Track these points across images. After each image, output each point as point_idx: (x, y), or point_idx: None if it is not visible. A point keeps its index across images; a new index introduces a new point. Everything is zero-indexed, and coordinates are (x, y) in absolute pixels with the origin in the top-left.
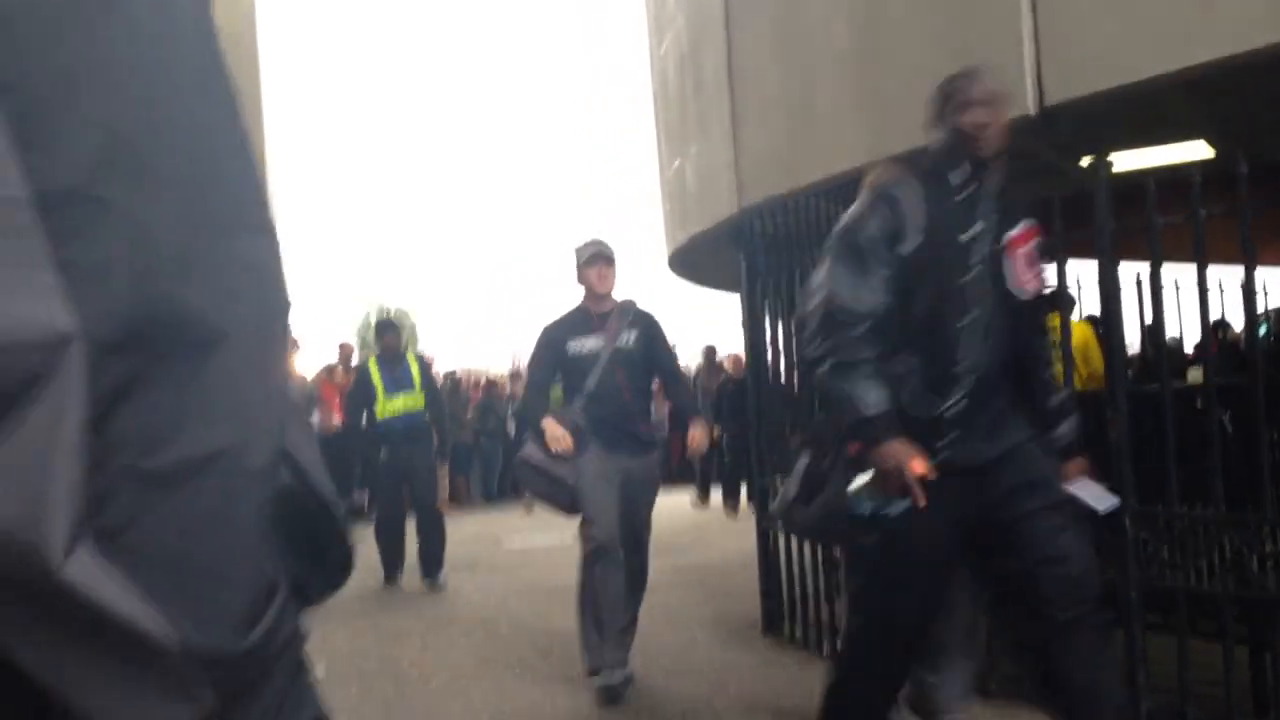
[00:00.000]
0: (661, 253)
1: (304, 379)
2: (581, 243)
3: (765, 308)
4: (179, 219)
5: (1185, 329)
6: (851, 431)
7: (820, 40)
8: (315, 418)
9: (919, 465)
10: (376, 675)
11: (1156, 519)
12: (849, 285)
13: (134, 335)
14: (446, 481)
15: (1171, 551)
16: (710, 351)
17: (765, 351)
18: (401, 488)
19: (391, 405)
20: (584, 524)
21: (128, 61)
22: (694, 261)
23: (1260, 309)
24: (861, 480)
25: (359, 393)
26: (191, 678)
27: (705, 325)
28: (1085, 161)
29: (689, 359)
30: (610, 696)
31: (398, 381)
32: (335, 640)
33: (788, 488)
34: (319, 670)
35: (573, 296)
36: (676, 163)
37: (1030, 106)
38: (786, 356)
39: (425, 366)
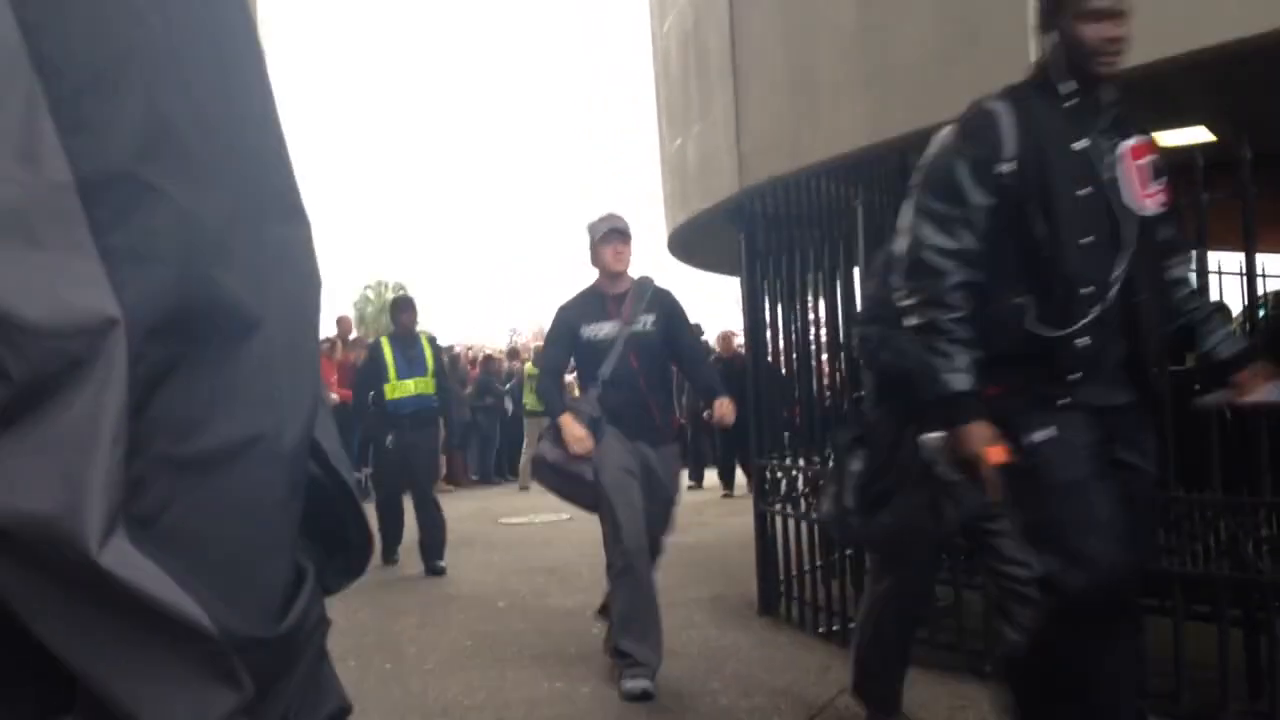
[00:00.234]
0: (661, 251)
1: None
2: (596, 218)
3: (765, 289)
4: (220, 205)
5: None
6: (931, 406)
7: (824, 18)
8: None
9: (998, 454)
10: (374, 652)
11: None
12: (939, 222)
13: (175, 320)
14: (444, 461)
15: (1168, 535)
16: (695, 329)
17: (765, 333)
18: (403, 472)
19: (403, 387)
20: (610, 536)
21: (172, 48)
22: (693, 243)
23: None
24: (934, 440)
25: (369, 371)
26: (231, 662)
27: (703, 316)
28: None
29: None
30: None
31: (411, 364)
32: (333, 616)
33: (840, 494)
34: None
35: (571, 288)
36: (678, 142)
37: None
38: (786, 338)
39: (439, 350)
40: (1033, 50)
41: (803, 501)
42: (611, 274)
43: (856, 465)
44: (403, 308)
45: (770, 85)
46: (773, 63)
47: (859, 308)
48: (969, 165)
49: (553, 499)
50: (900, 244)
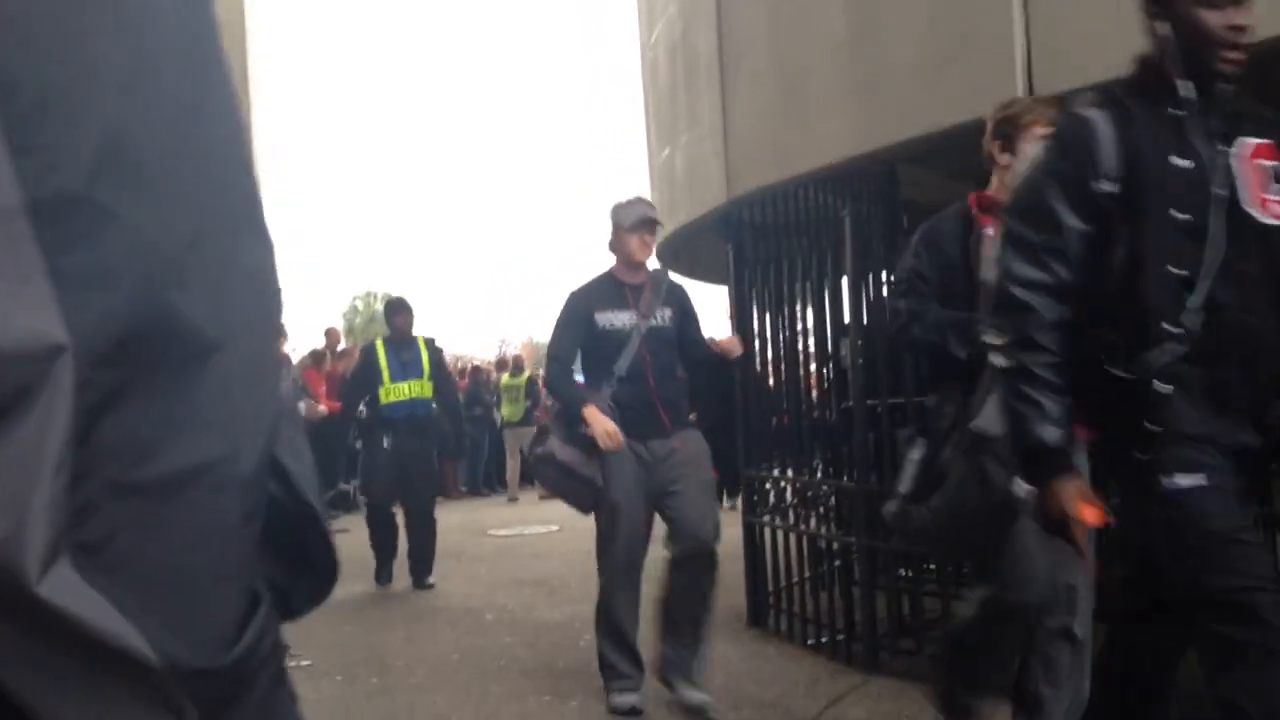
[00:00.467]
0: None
1: (290, 364)
2: (623, 200)
3: (753, 298)
4: (179, 227)
5: None
6: (1021, 459)
7: (812, 26)
8: (302, 407)
9: (1091, 515)
10: (361, 666)
11: None
12: (1028, 252)
13: (126, 345)
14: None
15: None
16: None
17: (753, 342)
18: (397, 481)
19: (398, 390)
20: (604, 548)
21: (127, 64)
22: (682, 252)
23: None
24: (1023, 492)
25: (363, 376)
26: (174, 694)
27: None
28: None
29: None
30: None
31: (406, 367)
32: (320, 631)
33: (900, 484)
34: (305, 662)
35: (570, 288)
36: (666, 152)
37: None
38: (774, 348)
39: (436, 352)
40: (1020, 61)
41: (791, 513)
42: (634, 264)
43: (916, 454)
44: (397, 310)
45: (758, 94)
46: (760, 71)
47: (847, 316)
48: (1061, 185)
49: (542, 511)
50: (988, 275)
